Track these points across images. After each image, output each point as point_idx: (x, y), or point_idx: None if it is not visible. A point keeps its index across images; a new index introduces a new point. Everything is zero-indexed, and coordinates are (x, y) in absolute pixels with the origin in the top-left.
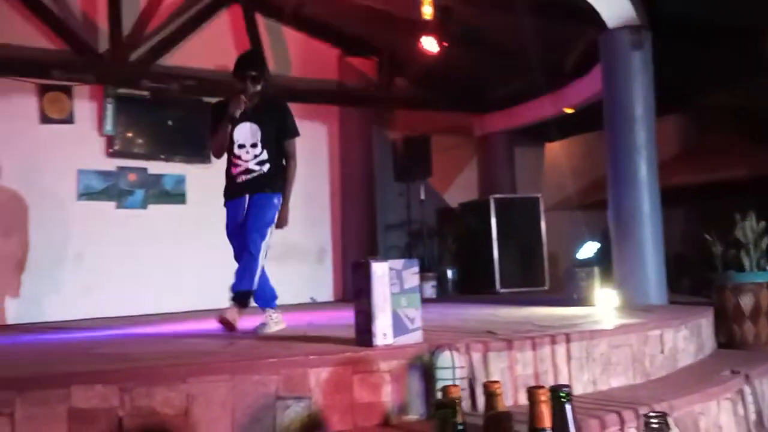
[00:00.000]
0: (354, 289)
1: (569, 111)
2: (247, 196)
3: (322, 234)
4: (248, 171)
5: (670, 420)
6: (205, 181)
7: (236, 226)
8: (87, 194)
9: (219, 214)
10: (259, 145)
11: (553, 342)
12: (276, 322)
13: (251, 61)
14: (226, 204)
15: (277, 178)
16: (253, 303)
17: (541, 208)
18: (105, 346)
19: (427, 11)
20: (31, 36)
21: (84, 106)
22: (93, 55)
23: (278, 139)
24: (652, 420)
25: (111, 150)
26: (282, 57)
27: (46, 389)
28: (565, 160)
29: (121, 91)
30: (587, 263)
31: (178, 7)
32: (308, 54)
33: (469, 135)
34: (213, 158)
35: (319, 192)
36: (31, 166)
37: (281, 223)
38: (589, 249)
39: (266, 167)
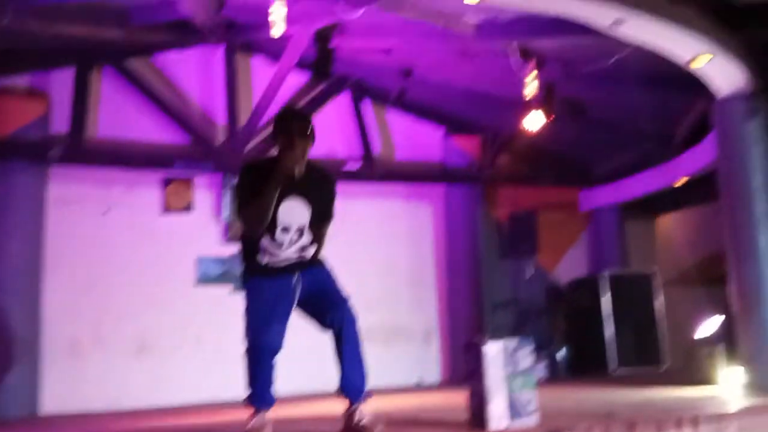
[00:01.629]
0: (466, 370)
1: (681, 182)
2: (297, 274)
3: (429, 315)
4: (286, 259)
5: None
6: None
7: (281, 308)
8: (205, 280)
9: None
10: (306, 229)
11: (679, 425)
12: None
13: (299, 113)
14: (259, 283)
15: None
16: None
17: (656, 283)
18: (233, 428)
19: (530, 92)
20: (154, 131)
21: (202, 194)
22: (211, 146)
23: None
24: None
25: (228, 236)
26: (387, 139)
27: None
28: (680, 234)
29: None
30: (709, 341)
31: (289, 100)
32: (413, 135)
33: (577, 210)
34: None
35: (424, 272)
36: (152, 254)
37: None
38: (710, 325)
39: (308, 252)
